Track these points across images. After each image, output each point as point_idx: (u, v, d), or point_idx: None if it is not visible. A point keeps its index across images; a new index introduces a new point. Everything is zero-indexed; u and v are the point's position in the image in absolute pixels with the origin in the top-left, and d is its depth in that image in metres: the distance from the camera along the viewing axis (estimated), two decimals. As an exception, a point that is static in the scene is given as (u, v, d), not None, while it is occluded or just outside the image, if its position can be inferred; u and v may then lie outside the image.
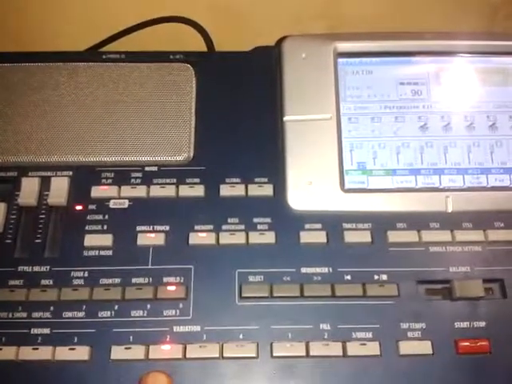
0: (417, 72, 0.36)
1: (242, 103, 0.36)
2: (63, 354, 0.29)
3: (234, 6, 0.49)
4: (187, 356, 0.29)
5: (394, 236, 0.32)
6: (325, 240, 0.32)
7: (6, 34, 0.48)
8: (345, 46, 0.36)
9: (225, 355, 0.29)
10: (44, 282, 0.31)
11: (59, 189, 0.33)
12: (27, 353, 0.29)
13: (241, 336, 0.29)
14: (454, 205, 0.33)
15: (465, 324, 0.30)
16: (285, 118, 0.35)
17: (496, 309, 0.30)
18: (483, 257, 0.32)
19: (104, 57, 0.38)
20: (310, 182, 0.33)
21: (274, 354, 0.29)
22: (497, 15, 0.49)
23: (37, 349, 0.29)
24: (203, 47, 0.47)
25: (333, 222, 0.32)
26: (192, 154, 0.35)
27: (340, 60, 0.36)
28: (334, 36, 0.36)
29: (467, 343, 0.29)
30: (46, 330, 0.30)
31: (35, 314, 0.30)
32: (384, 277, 0.31)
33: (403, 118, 0.35)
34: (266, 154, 0.35)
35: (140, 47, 0.41)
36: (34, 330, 0.30)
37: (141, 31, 0.48)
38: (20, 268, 0.31)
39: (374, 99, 0.35)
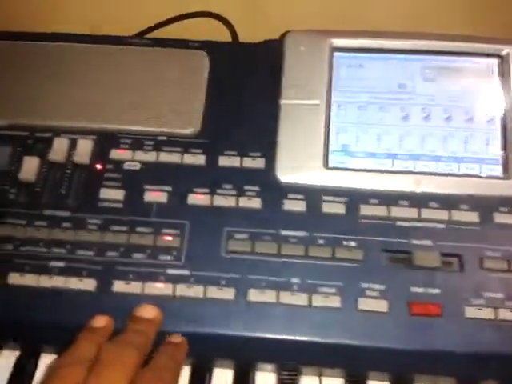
0: (404, 68, 0.40)
1: (247, 87, 0.41)
2: (73, 283, 0.35)
3: (259, 3, 0.54)
4: (176, 294, 0.34)
5: (365, 209, 0.36)
6: (304, 209, 0.36)
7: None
8: (340, 41, 0.40)
9: (207, 296, 0.34)
10: (64, 224, 0.36)
11: (84, 149, 0.39)
12: (45, 280, 0.35)
13: (223, 282, 0.34)
14: (424, 186, 0.37)
15: (420, 289, 0.33)
16: (280, 102, 0.39)
17: (453, 279, 0.34)
18: (444, 233, 0.35)
19: (130, 41, 0.44)
20: (297, 159, 0.38)
21: (249, 299, 0.34)
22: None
23: (52, 277, 0.35)
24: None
25: (314, 195, 0.37)
26: (199, 129, 0.40)
27: (336, 54, 0.40)
28: (331, 32, 0.40)
29: (420, 306, 0.33)
30: (61, 264, 0.35)
31: (54, 250, 0.36)
32: (352, 243, 0.35)
33: (388, 109, 0.39)
34: (262, 132, 0.39)
35: None
36: (52, 263, 0.35)
37: (172, 25, 0.54)
38: (46, 212, 0.37)
39: (363, 90, 0.40)
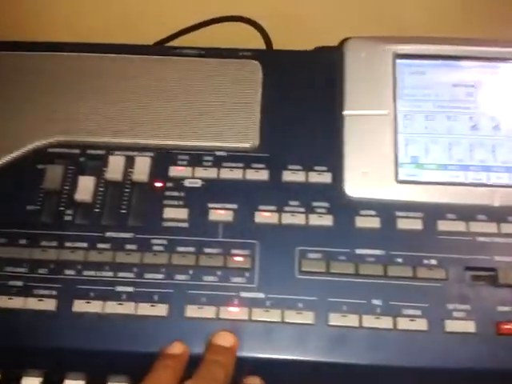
0: (469, 75, 0.39)
1: (304, 97, 0.40)
2: (145, 309, 0.33)
3: (293, 10, 0.53)
4: (252, 318, 0.33)
5: (443, 225, 0.34)
6: (378, 225, 0.35)
7: (81, 24, 0.53)
8: (404, 48, 0.39)
9: (285, 320, 0.33)
10: (128, 246, 0.35)
11: (142, 167, 0.37)
12: (112, 307, 0.33)
13: (300, 305, 0.33)
14: (500, 200, 0.35)
15: (506, 308, 0.32)
16: (344, 113, 0.38)
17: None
18: (527, 248, 0.34)
19: (180, 51, 0.42)
20: (366, 173, 0.37)
21: (330, 323, 0.32)
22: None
23: (121, 304, 0.33)
24: (261, 46, 0.51)
25: (386, 210, 0.35)
26: (258, 143, 0.38)
27: (398, 61, 0.39)
28: (393, 39, 0.39)
29: (508, 326, 0.32)
30: (130, 289, 0.34)
31: (120, 274, 0.34)
32: (433, 261, 0.34)
33: (455, 118, 0.38)
34: (325, 144, 0.38)
35: (201, 44, 0.44)
36: (119, 288, 0.34)
37: (202, 29, 0.52)
38: (107, 234, 0.36)
39: (428, 98, 0.38)
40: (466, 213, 0.35)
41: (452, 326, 0.32)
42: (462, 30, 0.42)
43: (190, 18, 0.52)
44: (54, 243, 0.35)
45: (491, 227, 0.34)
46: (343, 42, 0.40)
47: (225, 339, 0.31)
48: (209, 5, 0.52)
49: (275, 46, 0.50)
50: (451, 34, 0.39)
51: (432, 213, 0.35)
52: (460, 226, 0.34)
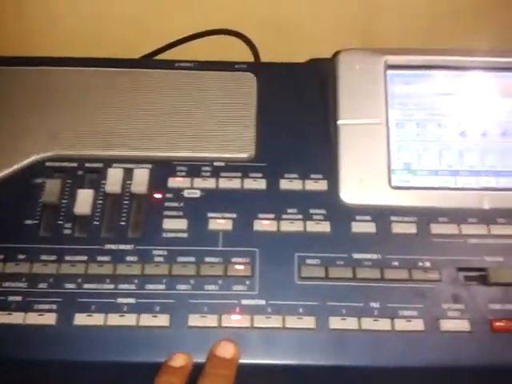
0: (457, 84, 0.40)
1: (298, 108, 0.41)
2: (147, 320, 0.33)
3: (278, 22, 0.54)
4: (254, 325, 0.33)
5: (436, 228, 0.36)
6: (374, 230, 0.36)
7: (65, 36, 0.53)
8: (394, 59, 0.40)
9: (287, 326, 0.33)
10: (129, 258, 0.35)
11: (141, 179, 0.38)
12: (114, 319, 0.33)
13: (301, 310, 0.34)
14: (489, 202, 0.37)
15: (498, 306, 0.34)
16: (339, 122, 0.39)
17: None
18: (515, 249, 0.36)
19: (176, 65, 0.43)
20: (361, 179, 0.38)
21: (330, 327, 0.33)
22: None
23: (123, 316, 0.34)
24: (249, 58, 0.52)
25: (381, 215, 0.36)
26: (254, 153, 0.39)
27: (389, 72, 0.40)
28: (384, 50, 0.41)
29: (501, 323, 0.33)
30: (131, 300, 0.34)
31: (121, 286, 0.34)
32: (427, 264, 0.35)
33: (445, 125, 0.39)
34: (320, 153, 0.39)
35: (189, 58, 0.45)
36: (120, 300, 0.34)
37: (189, 43, 0.53)
38: (107, 246, 0.36)
39: (419, 107, 0.40)
40: (458, 216, 0.37)
41: (447, 325, 0.33)
42: (452, 41, 0.43)
43: (176, 32, 0.52)
44: (54, 257, 0.35)
45: (481, 229, 0.36)
46: (336, 54, 0.41)
47: (226, 350, 0.31)
48: (195, 18, 0.53)
49: (263, 59, 0.51)
50: (441, 45, 0.41)
51: (425, 217, 0.36)
52: (452, 229, 0.36)
